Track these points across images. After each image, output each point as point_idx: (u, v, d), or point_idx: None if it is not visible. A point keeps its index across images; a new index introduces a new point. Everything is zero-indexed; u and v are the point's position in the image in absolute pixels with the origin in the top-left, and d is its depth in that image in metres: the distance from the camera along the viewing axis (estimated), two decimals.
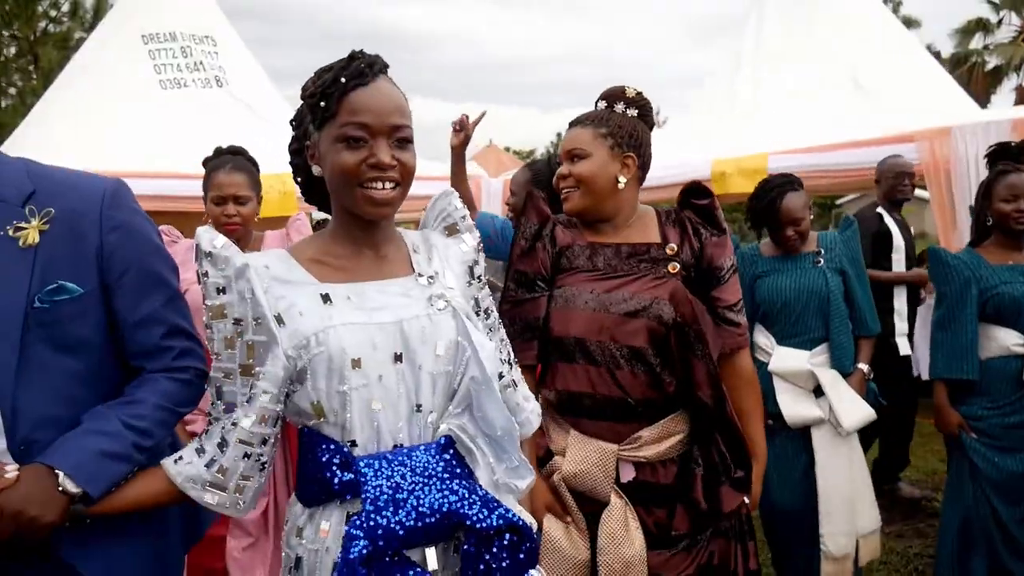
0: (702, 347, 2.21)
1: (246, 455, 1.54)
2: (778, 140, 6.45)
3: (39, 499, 1.44)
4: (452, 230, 1.77)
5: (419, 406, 1.55)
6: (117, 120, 7.35)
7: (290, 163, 1.74)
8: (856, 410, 3.44)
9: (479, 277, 1.75)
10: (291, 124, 1.71)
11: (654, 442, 2.24)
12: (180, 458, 1.59)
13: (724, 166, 6.17)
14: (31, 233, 1.55)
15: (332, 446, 1.52)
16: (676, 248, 2.33)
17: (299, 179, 1.75)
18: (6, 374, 1.51)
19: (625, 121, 2.35)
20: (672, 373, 2.23)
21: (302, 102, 1.65)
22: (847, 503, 3.44)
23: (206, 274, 1.52)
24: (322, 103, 1.56)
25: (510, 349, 1.84)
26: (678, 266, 2.30)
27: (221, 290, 1.51)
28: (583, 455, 2.24)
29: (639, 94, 2.40)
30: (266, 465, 1.59)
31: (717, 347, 2.32)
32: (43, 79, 18.47)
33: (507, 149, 34.16)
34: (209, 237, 1.53)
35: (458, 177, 3.53)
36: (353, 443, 1.51)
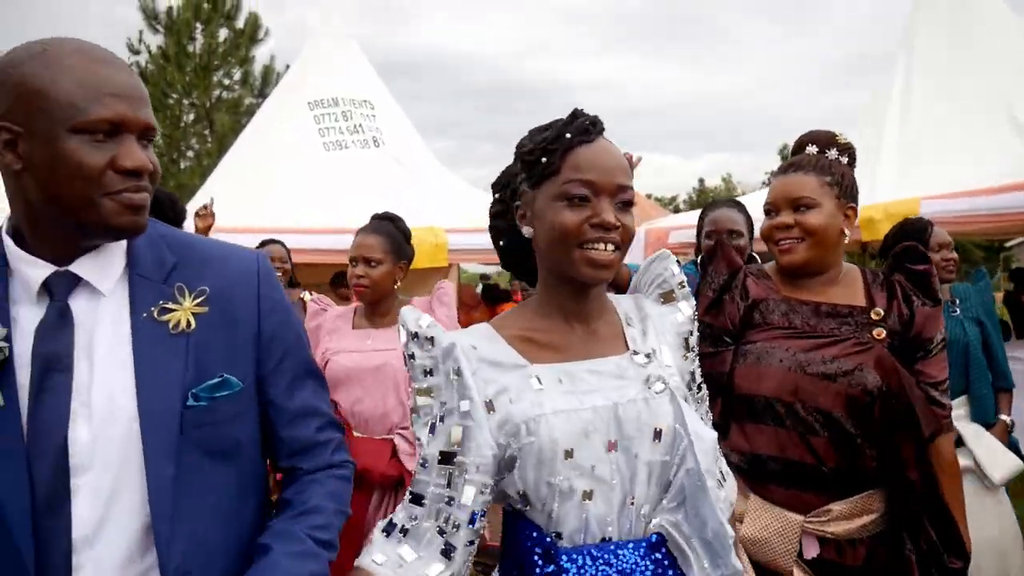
0: (910, 423, 2.02)
1: (469, 556, 1.41)
2: (930, 184, 6.27)
3: None
4: (668, 297, 1.63)
5: (632, 498, 1.43)
6: (285, 180, 8.01)
7: (490, 226, 1.66)
8: (1005, 462, 3.35)
9: (694, 348, 1.62)
10: (494, 187, 1.64)
11: (845, 518, 2.04)
12: (380, 561, 1.38)
13: (872, 212, 6.04)
14: (183, 316, 1.32)
15: (536, 534, 1.41)
16: (883, 313, 2.14)
17: (500, 243, 1.65)
18: (164, 492, 1.28)
19: (845, 169, 2.22)
20: (873, 446, 2.05)
21: (517, 159, 1.56)
22: (998, 557, 3.33)
23: (412, 356, 1.44)
24: (543, 159, 1.48)
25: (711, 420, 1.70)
26: (884, 332, 2.11)
27: (428, 372, 1.43)
28: (764, 522, 2.07)
29: (849, 141, 2.26)
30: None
31: (929, 425, 2.10)
32: (217, 142, 20.14)
33: (649, 196, 34.15)
34: (414, 317, 1.46)
35: None
36: (558, 535, 1.41)
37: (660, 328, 1.58)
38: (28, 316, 1.26)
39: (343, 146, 8.44)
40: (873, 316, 2.14)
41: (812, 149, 2.23)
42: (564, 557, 1.38)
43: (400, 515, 1.42)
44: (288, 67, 19.05)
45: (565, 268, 1.47)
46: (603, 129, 1.51)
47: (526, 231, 1.53)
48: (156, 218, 2.85)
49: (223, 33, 20.85)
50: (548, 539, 1.39)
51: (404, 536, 1.39)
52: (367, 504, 2.93)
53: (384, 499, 2.96)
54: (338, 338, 2.96)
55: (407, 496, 1.43)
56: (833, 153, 2.21)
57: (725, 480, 1.55)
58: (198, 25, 20.59)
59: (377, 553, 1.38)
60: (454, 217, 7.68)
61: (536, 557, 1.39)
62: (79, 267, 1.28)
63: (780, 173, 2.24)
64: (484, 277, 8.65)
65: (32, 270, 1.27)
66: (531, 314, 1.54)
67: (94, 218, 1.23)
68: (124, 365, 1.27)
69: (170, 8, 20.47)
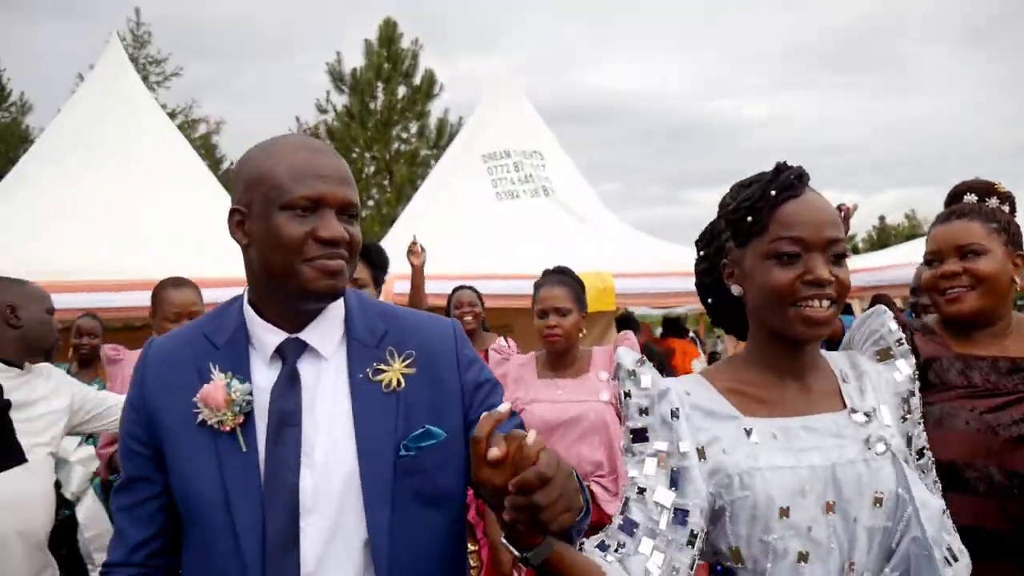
0: None
1: None
2: None
3: (573, 484, 1.19)
4: (885, 355, 1.56)
5: (852, 564, 1.35)
6: (462, 229, 8.51)
7: (696, 284, 1.63)
8: None
9: (915, 411, 1.54)
10: (698, 243, 1.61)
11: None
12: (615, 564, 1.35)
13: None
14: (394, 376, 1.45)
15: None
16: None
17: (708, 300, 1.62)
18: (382, 534, 1.39)
19: (1010, 217, 2.12)
20: None
21: (721, 217, 1.54)
22: None
23: (628, 394, 1.44)
24: (748, 218, 1.44)
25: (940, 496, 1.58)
26: None
27: (643, 411, 1.42)
28: None
29: (1008, 190, 2.17)
30: None
31: None
32: (395, 192, 21.41)
33: None
34: (631, 357, 1.46)
35: None
36: None
37: (878, 386, 1.51)
38: (265, 376, 1.44)
39: (515, 195, 8.87)
40: None
41: (971, 197, 2.16)
42: None
43: (611, 538, 1.37)
44: (460, 119, 20.03)
45: (779, 327, 1.43)
46: (808, 180, 1.47)
47: (735, 290, 1.50)
48: (365, 263, 3.15)
49: (401, 90, 22.23)
50: None
51: (621, 565, 1.34)
52: None
53: None
54: (525, 387, 3.07)
55: (617, 523, 1.39)
56: (994, 201, 2.13)
57: (957, 559, 1.42)
58: (379, 84, 22.05)
59: (609, 556, 1.36)
60: (620, 262, 7.88)
61: None
62: (306, 335, 1.45)
63: (942, 221, 2.16)
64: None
65: (268, 336, 1.45)
66: (742, 367, 1.50)
67: (295, 283, 1.38)
68: (344, 420, 1.42)
69: (354, 70, 22.07)
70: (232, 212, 1.43)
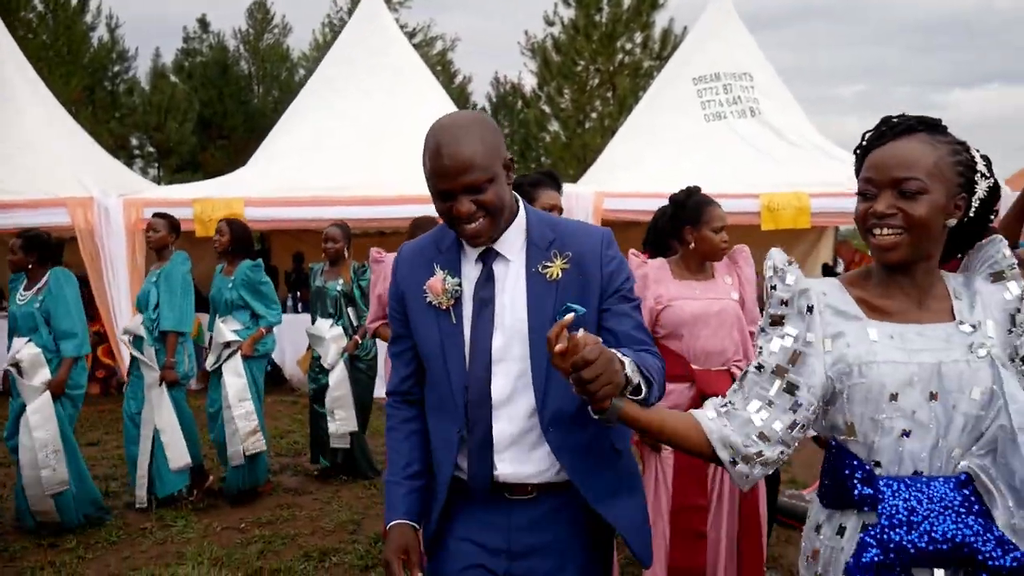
0: None
1: (782, 452, 1.66)
2: None
3: (613, 366, 1.57)
4: (998, 276, 1.72)
5: (944, 441, 1.58)
6: (670, 148, 9.20)
7: None
8: None
9: (1020, 325, 1.69)
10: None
11: None
12: (714, 417, 1.68)
13: None
14: (555, 270, 1.90)
15: (856, 462, 1.61)
16: None
17: None
18: (540, 376, 1.88)
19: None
20: None
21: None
22: None
23: (774, 287, 1.69)
24: (855, 163, 1.72)
25: None
26: None
27: (784, 303, 1.68)
28: None
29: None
30: (779, 462, 1.68)
31: None
32: (619, 104, 21.84)
33: None
34: (781, 258, 1.71)
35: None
36: (877, 463, 1.60)
37: (988, 304, 1.68)
38: (473, 271, 1.95)
39: (722, 116, 9.38)
40: None
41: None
42: (881, 482, 1.58)
43: (722, 399, 1.71)
44: (685, 29, 19.79)
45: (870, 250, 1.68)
46: (901, 130, 1.62)
47: None
48: (555, 190, 3.86)
49: (627, 1, 22.33)
50: (868, 466, 1.60)
51: (724, 412, 1.68)
52: None
53: None
54: (666, 286, 3.50)
55: (735, 387, 1.71)
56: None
57: None
58: None
59: (709, 410, 1.70)
60: (817, 183, 8.23)
61: (856, 481, 1.60)
62: (498, 245, 1.94)
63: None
64: None
65: (473, 247, 1.95)
66: (870, 280, 1.72)
67: (459, 236, 1.92)
68: (521, 301, 1.92)
69: None
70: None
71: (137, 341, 5.26)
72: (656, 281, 3.49)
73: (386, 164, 8.61)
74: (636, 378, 1.67)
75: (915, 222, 1.57)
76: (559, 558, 1.95)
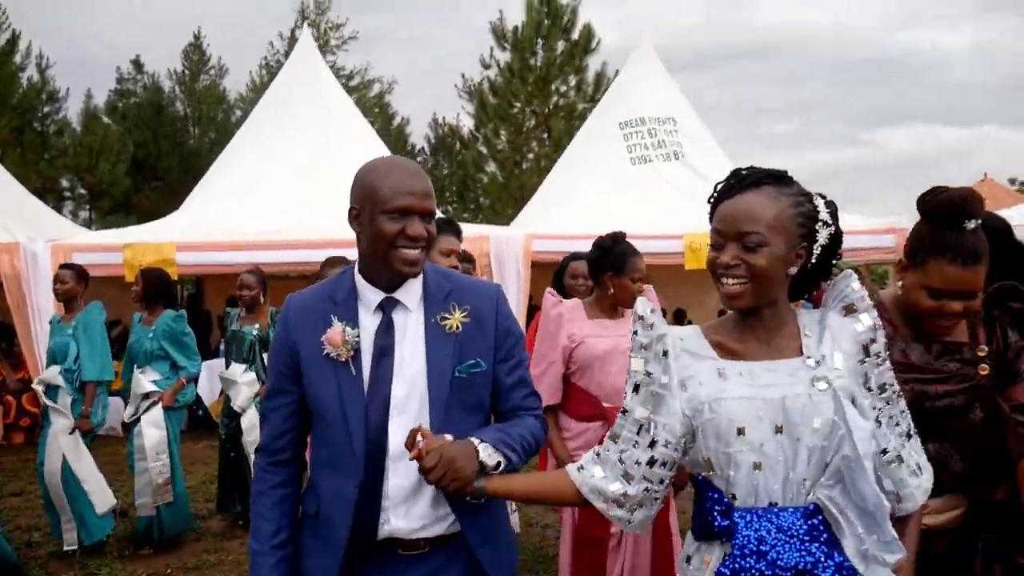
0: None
1: (646, 490, 1.78)
2: None
3: (465, 456, 1.78)
4: (849, 310, 1.80)
5: (793, 472, 1.66)
6: (598, 190, 9.49)
7: None
8: None
9: (876, 354, 1.77)
10: None
11: (937, 512, 2.20)
12: (582, 468, 1.85)
13: None
14: (455, 323, 1.95)
15: (717, 495, 1.70)
16: (987, 350, 2.23)
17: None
18: (438, 428, 1.87)
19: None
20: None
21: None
22: None
23: (636, 332, 1.80)
24: (708, 213, 1.79)
25: (910, 422, 1.85)
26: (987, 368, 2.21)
27: (644, 347, 1.78)
28: None
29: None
30: (658, 500, 1.82)
31: (1018, 446, 2.20)
32: (554, 145, 22.24)
33: (1012, 181, 29.95)
34: (645, 306, 1.81)
35: None
36: (734, 496, 1.68)
37: (837, 337, 1.76)
38: (370, 321, 1.96)
39: (647, 160, 9.74)
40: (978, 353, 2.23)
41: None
42: (736, 514, 1.67)
43: (600, 446, 1.86)
44: (617, 72, 20.47)
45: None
46: (750, 182, 1.70)
47: None
48: (454, 235, 3.93)
49: (560, 46, 22.89)
50: (726, 500, 1.69)
51: (597, 458, 1.84)
52: None
53: None
54: (579, 325, 3.62)
55: (608, 434, 1.85)
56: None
57: (921, 472, 1.82)
58: (539, 40, 22.83)
59: (577, 466, 1.87)
60: None
61: (716, 514, 1.69)
62: (398, 294, 1.96)
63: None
64: None
65: (372, 295, 1.96)
66: (727, 324, 1.82)
67: (388, 263, 1.89)
68: (421, 351, 1.94)
69: (516, 27, 22.94)
70: (351, 209, 1.94)
71: (51, 390, 5.20)
72: (570, 320, 3.61)
73: (320, 206, 8.68)
74: (493, 460, 1.83)
75: (756, 272, 1.67)
76: None
